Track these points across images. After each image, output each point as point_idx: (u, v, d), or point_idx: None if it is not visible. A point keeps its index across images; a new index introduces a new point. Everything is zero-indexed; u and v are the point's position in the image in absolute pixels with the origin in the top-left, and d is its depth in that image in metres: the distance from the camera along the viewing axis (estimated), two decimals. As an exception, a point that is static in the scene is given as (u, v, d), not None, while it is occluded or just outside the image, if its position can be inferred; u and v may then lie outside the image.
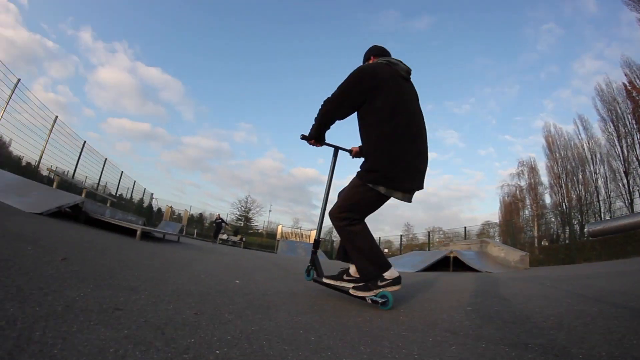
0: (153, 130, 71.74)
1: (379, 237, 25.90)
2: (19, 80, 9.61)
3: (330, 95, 1.91)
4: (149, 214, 25.42)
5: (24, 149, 10.78)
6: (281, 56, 73.59)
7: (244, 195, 40.91)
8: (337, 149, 2.31)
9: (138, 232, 4.33)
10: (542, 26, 45.53)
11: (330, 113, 1.94)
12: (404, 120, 1.85)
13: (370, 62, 2.09)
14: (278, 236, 25.06)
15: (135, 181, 22.91)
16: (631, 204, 18.73)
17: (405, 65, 2.04)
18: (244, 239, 24.20)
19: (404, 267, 8.20)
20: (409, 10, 64.50)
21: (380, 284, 1.83)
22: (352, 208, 1.90)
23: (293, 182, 72.35)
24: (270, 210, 43.21)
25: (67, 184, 12.07)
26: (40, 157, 11.37)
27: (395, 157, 1.80)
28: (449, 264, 8.16)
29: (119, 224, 4.35)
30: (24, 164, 12.49)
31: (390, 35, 61.49)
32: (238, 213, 39.74)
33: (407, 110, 1.89)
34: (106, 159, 17.16)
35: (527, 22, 47.48)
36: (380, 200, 1.90)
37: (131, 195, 22.74)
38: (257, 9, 70.36)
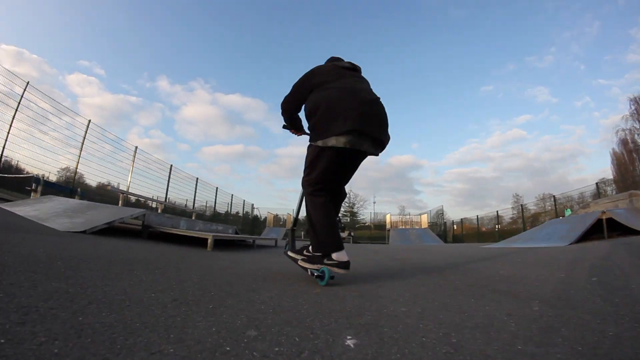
0: (246, 149, 75.85)
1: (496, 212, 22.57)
2: (89, 121, 11.28)
3: (286, 95, 2.14)
4: (253, 223, 26.86)
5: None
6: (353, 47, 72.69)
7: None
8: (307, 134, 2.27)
9: (209, 241, 3.78)
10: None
11: (287, 110, 2.19)
12: (339, 85, 1.93)
13: None
14: (388, 225, 23.70)
15: (232, 195, 23.34)
16: None
17: (349, 62, 2.18)
18: (352, 233, 23.63)
19: (549, 240, 6.23)
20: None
21: (326, 261, 1.85)
22: (310, 172, 1.96)
23: (391, 171, 69.90)
24: (374, 202, 42.23)
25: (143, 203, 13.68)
26: (128, 186, 13.02)
27: (326, 111, 1.85)
28: (601, 229, 6.35)
29: (185, 234, 3.89)
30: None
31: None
32: (342, 210, 39.40)
33: (342, 82, 1.95)
34: (197, 179, 18.35)
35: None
36: (326, 157, 1.89)
37: (230, 209, 23.23)
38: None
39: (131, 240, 3.28)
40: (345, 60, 2.24)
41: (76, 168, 11.15)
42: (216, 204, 21.16)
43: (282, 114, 2.22)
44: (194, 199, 18.20)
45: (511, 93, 63.69)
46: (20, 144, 9.19)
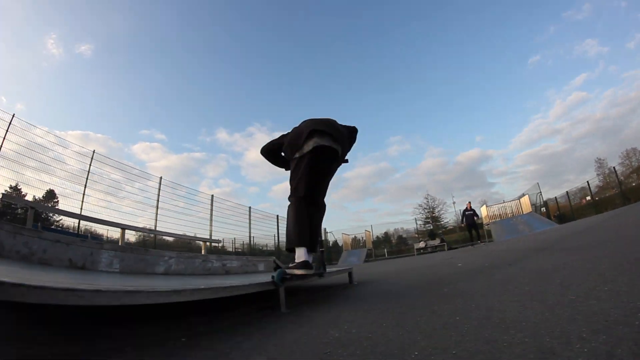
0: None
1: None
2: (160, 178, 11.92)
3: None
4: (329, 249, 24.68)
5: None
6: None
7: (420, 200, 37.41)
8: None
9: None
10: None
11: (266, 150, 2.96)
12: (307, 123, 2.50)
13: None
14: (485, 220, 19.80)
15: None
16: None
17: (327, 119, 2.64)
18: (444, 239, 20.15)
19: None
20: None
21: (290, 265, 2.20)
22: (292, 184, 2.49)
23: (461, 169, 67.91)
24: (454, 202, 37.95)
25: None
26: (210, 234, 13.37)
27: (294, 134, 2.51)
28: None
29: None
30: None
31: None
32: (423, 217, 36.20)
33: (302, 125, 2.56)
34: (249, 207, 17.93)
35: None
36: (304, 164, 2.37)
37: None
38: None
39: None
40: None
41: (155, 226, 11.30)
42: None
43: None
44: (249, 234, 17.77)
45: (560, 56, 61.58)
46: (98, 212, 9.52)
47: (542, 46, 62.36)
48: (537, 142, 66.04)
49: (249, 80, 78.35)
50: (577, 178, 61.53)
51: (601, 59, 57.83)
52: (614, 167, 20.01)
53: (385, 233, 35.01)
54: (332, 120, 2.56)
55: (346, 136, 2.61)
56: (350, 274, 4.06)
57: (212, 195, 13.82)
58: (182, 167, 67.13)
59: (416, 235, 28.18)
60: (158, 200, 11.49)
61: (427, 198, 37.60)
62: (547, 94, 66.55)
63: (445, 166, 69.57)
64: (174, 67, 75.57)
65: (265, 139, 73.41)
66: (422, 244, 19.94)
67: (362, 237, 23.68)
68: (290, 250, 2.27)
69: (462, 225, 15.35)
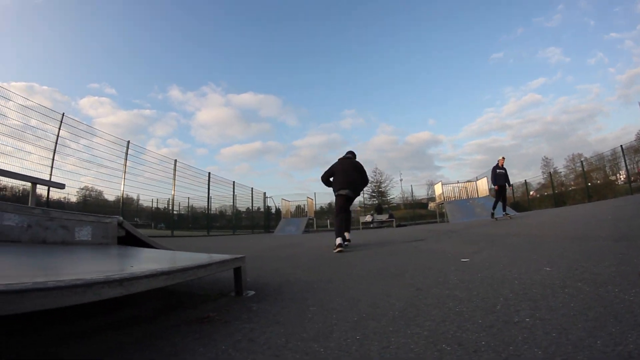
0: (265, 145, 73.59)
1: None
2: (128, 142, 12.09)
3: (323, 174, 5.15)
4: (267, 216, 22.61)
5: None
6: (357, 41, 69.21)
7: (368, 173, 35.53)
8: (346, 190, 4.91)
9: None
10: None
11: (323, 181, 5.16)
12: (339, 176, 4.94)
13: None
14: (437, 199, 18.19)
15: (252, 188, 21.09)
16: None
17: (349, 153, 5.30)
18: (393, 215, 18.31)
19: None
20: None
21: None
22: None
23: (410, 149, 67.69)
24: (401, 179, 36.99)
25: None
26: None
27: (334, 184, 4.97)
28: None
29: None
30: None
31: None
32: (370, 190, 34.44)
33: (339, 172, 4.97)
34: (209, 173, 16.78)
35: None
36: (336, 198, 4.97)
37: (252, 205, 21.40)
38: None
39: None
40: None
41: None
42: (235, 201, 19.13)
43: (323, 180, 5.18)
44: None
45: (523, 58, 62.95)
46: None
47: (506, 45, 63.31)
48: (487, 133, 67.06)
49: (207, 36, 71.65)
50: (519, 173, 65.51)
51: (561, 68, 60.67)
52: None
53: (330, 204, 33.16)
54: (351, 178, 4.88)
55: (360, 184, 5.05)
56: (238, 274, 1.80)
57: (175, 160, 14.11)
58: (131, 124, 61.49)
59: (359, 209, 26.53)
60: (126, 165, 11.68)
61: (375, 172, 36.07)
62: (504, 90, 66.97)
63: (395, 144, 69.40)
64: (129, 16, 65.72)
65: (219, 100, 62.78)
66: (368, 218, 17.93)
67: (304, 205, 21.12)
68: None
69: (495, 188, 9.81)
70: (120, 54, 68.14)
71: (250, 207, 21.83)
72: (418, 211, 26.90)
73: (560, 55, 58.57)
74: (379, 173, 36.24)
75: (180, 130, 67.80)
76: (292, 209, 20.58)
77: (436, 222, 17.72)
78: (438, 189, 18.07)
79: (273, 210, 22.79)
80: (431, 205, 25.43)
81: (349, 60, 72.37)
